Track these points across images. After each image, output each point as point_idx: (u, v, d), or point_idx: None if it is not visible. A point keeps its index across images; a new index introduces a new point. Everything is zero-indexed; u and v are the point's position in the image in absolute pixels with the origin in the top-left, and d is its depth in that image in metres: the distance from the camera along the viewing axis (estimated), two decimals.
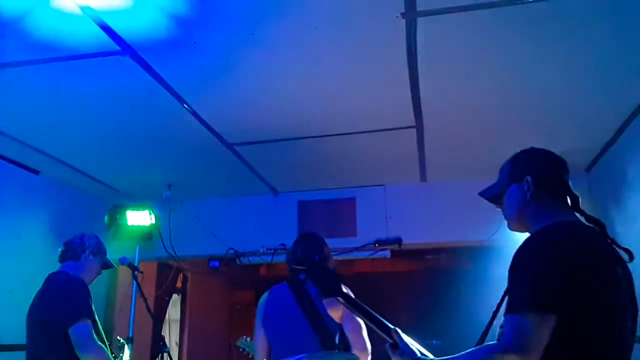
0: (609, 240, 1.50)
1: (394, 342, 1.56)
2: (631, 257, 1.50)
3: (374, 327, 1.63)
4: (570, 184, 1.60)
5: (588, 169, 4.19)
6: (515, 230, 1.64)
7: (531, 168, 1.60)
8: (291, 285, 2.54)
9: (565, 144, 3.61)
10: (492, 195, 1.70)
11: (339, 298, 1.65)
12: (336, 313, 2.43)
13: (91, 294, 2.75)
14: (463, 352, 1.38)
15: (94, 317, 2.71)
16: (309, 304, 2.42)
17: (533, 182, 1.57)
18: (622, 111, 3.23)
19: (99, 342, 2.63)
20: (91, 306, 2.69)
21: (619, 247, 1.51)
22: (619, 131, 3.48)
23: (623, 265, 1.46)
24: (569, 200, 1.57)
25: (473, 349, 1.38)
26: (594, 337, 1.33)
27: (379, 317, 1.63)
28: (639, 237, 3.11)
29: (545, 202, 1.55)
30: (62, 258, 2.88)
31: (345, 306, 1.66)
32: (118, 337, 3.51)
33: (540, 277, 1.33)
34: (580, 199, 1.58)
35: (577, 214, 1.56)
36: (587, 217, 1.55)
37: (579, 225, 1.51)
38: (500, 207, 1.69)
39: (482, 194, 1.74)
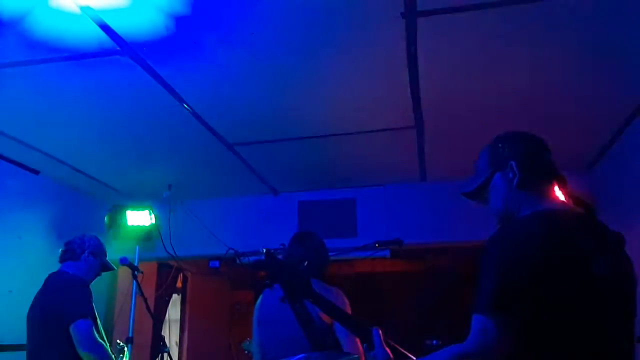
0: (598, 226, 1.39)
1: (369, 344, 1.49)
2: (622, 241, 1.39)
3: (348, 329, 1.59)
4: (554, 163, 1.48)
5: (588, 168, 4.19)
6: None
7: (512, 152, 1.47)
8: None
9: (565, 143, 3.62)
10: (477, 188, 1.55)
11: (309, 300, 1.58)
12: (325, 314, 2.40)
13: (92, 293, 2.76)
14: (433, 353, 1.33)
15: (95, 315, 2.72)
16: (300, 305, 2.39)
17: (518, 166, 1.44)
18: (622, 111, 3.22)
19: (100, 340, 2.63)
20: (92, 304, 2.70)
21: (609, 231, 1.39)
22: (619, 131, 3.48)
23: (612, 256, 1.33)
24: (556, 184, 1.45)
25: (441, 350, 1.32)
26: (562, 337, 1.23)
27: (353, 318, 1.58)
28: (639, 237, 3.10)
29: (532, 188, 1.43)
30: (62, 258, 2.89)
31: (318, 307, 1.60)
32: (117, 340, 3.51)
33: (502, 276, 1.24)
34: (565, 179, 1.47)
35: (564, 198, 1.45)
36: (576, 200, 1.45)
37: (557, 214, 1.38)
38: (483, 203, 1.56)
39: (464, 189, 1.59)
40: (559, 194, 1.46)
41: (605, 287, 1.28)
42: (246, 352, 3.65)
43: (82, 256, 2.87)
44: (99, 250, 2.96)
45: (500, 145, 1.53)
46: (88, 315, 2.62)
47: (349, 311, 2.44)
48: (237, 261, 4.91)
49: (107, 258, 3.04)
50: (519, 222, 1.40)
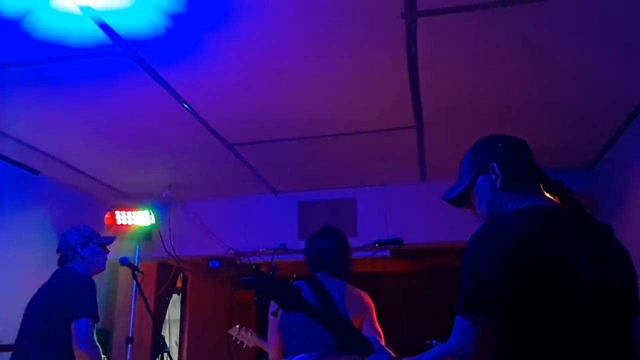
0: (582, 222, 1.36)
1: (368, 352, 1.51)
2: (610, 234, 1.37)
3: (346, 341, 1.61)
4: (536, 162, 1.48)
5: (588, 168, 4.19)
6: None
7: (494, 154, 1.49)
8: (310, 284, 2.41)
9: (565, 143, 3.63)
10: (461, 192, 1.55)
11: (301, 312, 1.59)
12: (357, 319, 2.36)
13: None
14: (420, 354, 1.34)
15: (98, 317, 2.70)
16: (330, 302, 2.33)
17: (499, 168, 1.45)
18: (622, 111, 3.22)
19: (96, 342, 2.62)
20: (97, 305, 2.67)
21: (597, 225, 1.38)
22: (619, 131, 3.47)
23: (595, 251, 1.29)
24: (540, 183, 1.45)
25: (428, 351, 1.33)
26: (542, 336, 1.20)
27: (352, 330, 1.63)
28: (639, 237, 3.10)
29: (516, 189, 1.43)
30: (60, 262, 2.87)
31: (312, 318, 1.61)
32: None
33: (476, 275, 1.25)
34: (549, 178, 1.47)
35: (551, 195, 1.43)
36: (562, 197, 1.43)
37: (536, 211, 1.36)
38: (468, 208, 1.57)
39: (448, 195, 1.59)
40: (544, 193, 1.45)
41: (585, 283, 1.25)
42: (233, 339, 3.66)
43: (76, 255, 2.85)
44: (86, 239, 2.89)
45: (481, 148, 1.55)
46: (91, 315, 2.61)
47: (374, 315, 2.42)
48: (237, 261, 4.91)
49: (97, 236, 2.97)
50: (497, 219, 1.41)
